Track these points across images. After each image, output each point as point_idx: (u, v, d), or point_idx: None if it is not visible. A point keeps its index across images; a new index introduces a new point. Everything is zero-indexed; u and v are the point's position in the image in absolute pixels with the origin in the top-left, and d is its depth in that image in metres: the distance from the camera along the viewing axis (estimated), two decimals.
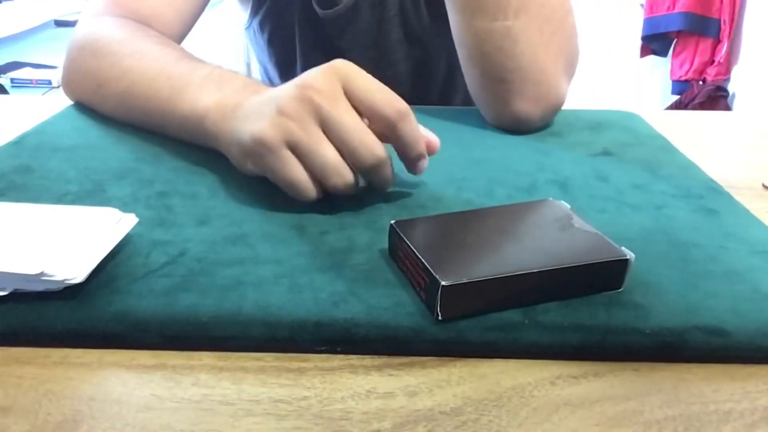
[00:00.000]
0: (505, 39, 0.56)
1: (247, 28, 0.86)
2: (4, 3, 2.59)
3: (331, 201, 0.43)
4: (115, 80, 0.57)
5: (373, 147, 0.41)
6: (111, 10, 0.64)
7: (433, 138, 0.46)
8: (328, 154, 0.41)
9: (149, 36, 0.60)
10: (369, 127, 0.42)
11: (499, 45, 0.56)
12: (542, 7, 0.56)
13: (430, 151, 0.45)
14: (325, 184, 0.42)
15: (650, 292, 0.34)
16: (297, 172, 0.41)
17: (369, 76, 0.43)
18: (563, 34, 0.59)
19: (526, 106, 0.58)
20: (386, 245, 0.38)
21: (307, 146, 0.41)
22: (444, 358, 0.32)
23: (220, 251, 0.38)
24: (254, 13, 0.83)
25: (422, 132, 0.44)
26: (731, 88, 2.51)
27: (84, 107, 0.63)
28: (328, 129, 0.41)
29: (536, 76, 0.57)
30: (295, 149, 0.41)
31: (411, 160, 0.44)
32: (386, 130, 0.42)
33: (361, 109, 0.42)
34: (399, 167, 0.44)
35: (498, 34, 0.55)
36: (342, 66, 0.42)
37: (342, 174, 0.41)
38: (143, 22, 0.63)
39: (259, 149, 0.42)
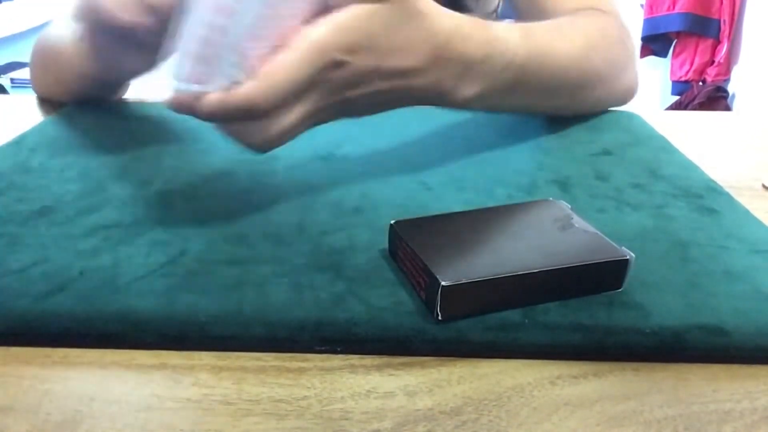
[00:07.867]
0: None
1: None
2: (4, 3, 2.59)
3: (331, 200, 0.43)
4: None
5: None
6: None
7: None
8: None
9: None
10: None
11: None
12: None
13: None
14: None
15: (650, 292, 0.34)
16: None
17: None
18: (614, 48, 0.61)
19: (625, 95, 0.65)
20: (386, 245, 0.38)
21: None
22: (444, 358, 0.32)
23: (220, 251, 0.38)
24: None
25: None
26: (731, 88, 2.51)
27: (84, 107, 0.63)
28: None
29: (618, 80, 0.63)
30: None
31: None
32: None
33: None
34: (399, 169, 0.44)
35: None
36: None
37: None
38: None
39: None
